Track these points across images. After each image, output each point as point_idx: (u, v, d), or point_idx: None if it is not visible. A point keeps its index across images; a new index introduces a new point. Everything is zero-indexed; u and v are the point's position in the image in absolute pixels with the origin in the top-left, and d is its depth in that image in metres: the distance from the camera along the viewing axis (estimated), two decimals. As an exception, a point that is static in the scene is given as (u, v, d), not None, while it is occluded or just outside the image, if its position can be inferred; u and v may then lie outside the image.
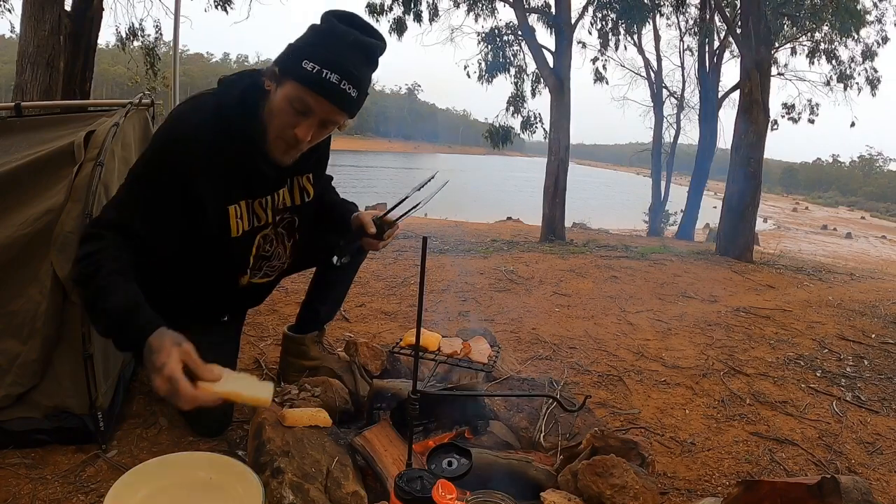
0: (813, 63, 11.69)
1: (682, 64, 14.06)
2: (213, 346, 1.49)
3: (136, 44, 7.53)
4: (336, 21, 1.17)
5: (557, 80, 8.09)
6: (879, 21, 10.67)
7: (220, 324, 1.53)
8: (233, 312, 1.59)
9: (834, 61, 11.51)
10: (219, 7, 7.75)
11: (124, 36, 7.45)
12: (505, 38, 9.99)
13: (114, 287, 1.06)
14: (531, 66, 9.80)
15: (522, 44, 9.61)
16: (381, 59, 1.26)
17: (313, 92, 1.14)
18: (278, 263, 1.51)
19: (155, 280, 1.42)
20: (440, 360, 1.55)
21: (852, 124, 12.05)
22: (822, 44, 11.30)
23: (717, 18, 11.46)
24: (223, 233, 1.30)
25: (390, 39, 10.01)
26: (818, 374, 2.38)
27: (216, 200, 1.26)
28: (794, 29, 10.78)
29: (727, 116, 13.06)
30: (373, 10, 9.59)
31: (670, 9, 12.31)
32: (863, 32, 10.31)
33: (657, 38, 13.87)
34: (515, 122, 10.23)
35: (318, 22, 1.20)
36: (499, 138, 10.19)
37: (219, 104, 1.23)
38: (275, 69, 1.17)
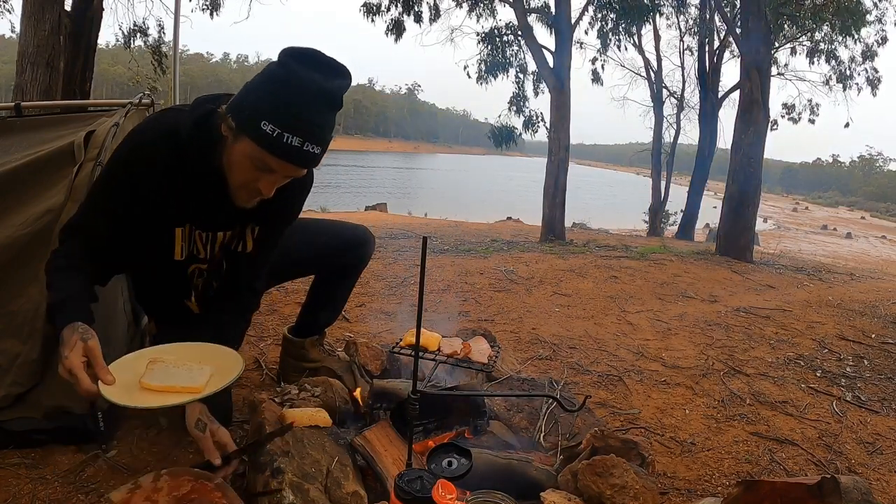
0: (813, 63, 11.71)
1: (682, 64, 14.09)
2: None
3: (139, 42, 7.56)
4: (296, 65, 1.06)
5: (557, 80, 8.09)
6: (879, 21, 10.69)
7: None
8: None
9: (834, 61, 11.53)
10: (206, 10, 7.77)
11: (128, 34, 7.47)
12: (505, 38, 10.00)
13: (54, 283, 1.11)
14: (531, 66, 9.82)
15: (522, 44, 9.61)
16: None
17: (272, 156, 1.06)
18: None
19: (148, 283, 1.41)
20: (440, 360, 1.55)
21: (846, 125, 12.05)
22: (822, 44, 11.31)
23: (717, 18, 11.48)
24: (167, 253, 1.25)
25: (388, 40, 10.07)
26: (818, 374, 2.38)
27: (164, 219, 1.22)
28: (794, 29, 10.79)
29: (727, 116, 13.06)
30: (370, 10, 9.60)
31: (670, 9, 12.32)
32: (863, 32, 10.31)
33: (657, 38, 13.88)
34: (518, 122, 10.25)
35: (273, 63, 1.10)
36: (502, 138, 10.20)
37: (177, 129, 1.17)
38: (231, 122, 1.08)
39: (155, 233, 1.23)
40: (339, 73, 1.10)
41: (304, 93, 1.04)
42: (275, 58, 1.11)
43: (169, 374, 1.07)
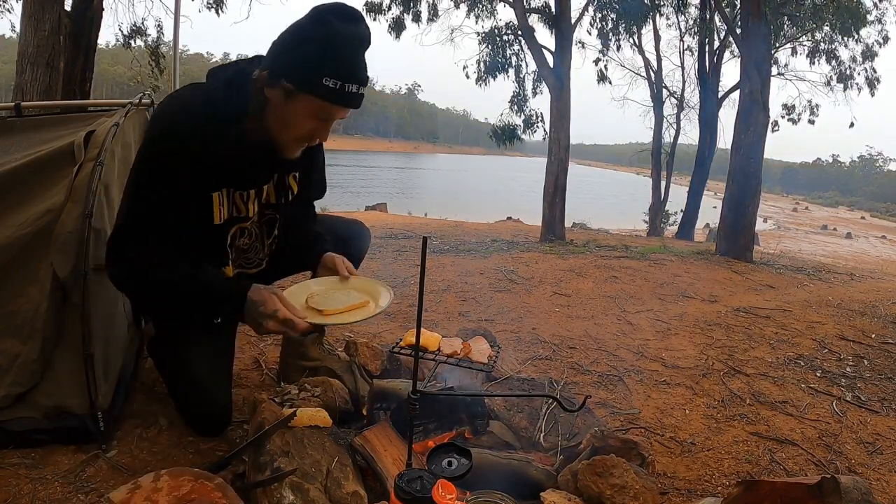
0: (813, 63, 11.72)
1: (682, 64, 14.10)
2: (212, 347, 1.50)
3: (139, 42, 7.56)
4: (336, 22, 1.18)
5: (557, 79, 8.09)
6: (879, 21, 10.69)
7: (214, 326, 1.52)
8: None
9: (834, 61, 11.54)
10: (211, 9, 7.78)
11: (127, 35, 7.48)
12: (505, 37, 9.99)
13: (182, 280, 1.25)
14: (531, 66, 9.81)
15: (522, 44, 9.61)
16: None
17: (338, 106, 1.22)
18: (255, 258, 1.52)
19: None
20: (440, 360, 1.54)
21: (851, 125, 12.06)
22: (822, 44, 11.32)
23: (717, 18, 11.47)
24: (206, 220, 1.33)
25: (388, 39, 10.08)
26: (818, 374, 2.38)
27: (202, 187, 1.30)
28: (794, 29, 10.79)
29: (727, 116, 13.08)
30: (371, 9, 9.59)
31: (670, 9, 12.32)
32: (863, 32, 10.32)
33: (657, 38, 13.90)
34: (519, 121, 10.24)
35: (308, 23, 1.19)
36: (504, 137, 10.19)
37: (207, 97, 1.27)
38: (281, 81, 1.19)
39: (194, 202, 1.30)
40: (361, 17, 1.24)
41: (349, 45, 1.19)
42: (270, 59, 1.23)
43: (332, 300, 1.32)
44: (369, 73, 1.28)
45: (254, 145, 1.29)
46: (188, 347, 1.46)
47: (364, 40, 1.22)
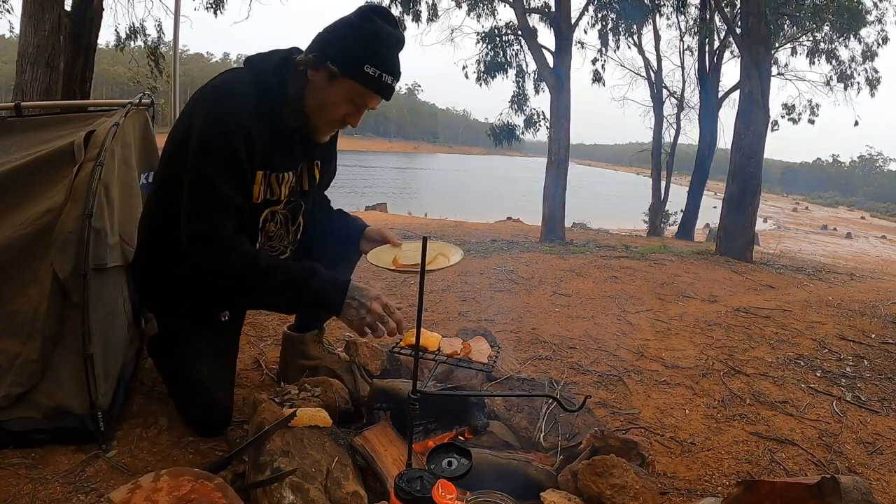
0: (813, 63, 11.71)
1: (682, 64, 14.10)
2: (213, 347, 1.50)
3: (138, 43, 7.56)
4: (379, 21, 1.32)
5: (557, 79, 8.10)
6: (879, 21, 10.69)
7: (220, 324, 1.53)
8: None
9: (834, 61, 11.54)
10: (209, 9, 7.77)
11: (125, 36, 7.48)
12: (505, 37, 9.99)
13: (279, 269, 1.35)
14: (531, 66, 9.81)
15: (522, 43, 9.61)
16: None
17: (374, 93, 1.34)
18: (280, 246, 1.54)
19: (161, 279, 1.44)
20: (440, 359, 1.54)
21: (856, 123, 12.04)
22: (822, 44, 11.31)
23: (717, 18, 11.47)
24: (247, 197, 1.37)
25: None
26: (818, 374, 2.38)
27: (250, 164, 1.35)
28: (794, 29, 10.79)
29: (727, 116, 13.08)
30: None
31: (670, 9, 12.32)
32: (863, 32, 10.32)
33: (657, 38, 13.89)
34: (519, 121, 10.24)
35: (356, 18, 1.32)
36: (503, 136, 10.19)
37: (256, 79, 1.35)
38: (327, 63, 1.30)
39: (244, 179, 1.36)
40: (397, 22, 1.40)
41: (389, 42, 1.33)
42: (321, 47, 1.34)
43: (412, 259, 1.43)
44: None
45: (290, 129, 1.38)
46: (190, 347, 1.46)
47: (400, 41, 1.35)
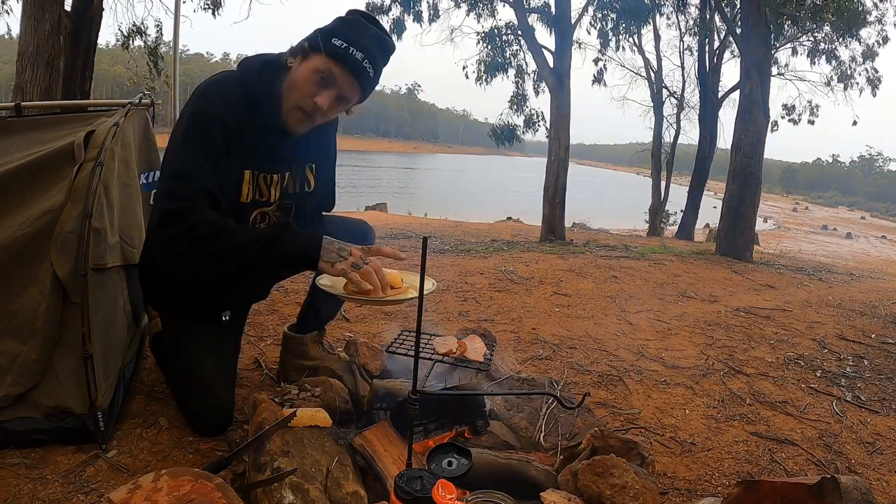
0: (813, 63, 11.72)
1: (682, 64, 14.09)
2: (216, 346, 1.50)
3: (138, 43, 7.56)
4: (361, 17, 1.34)
5: (557, 79, 8.09)
6: (880, 21, 10.69)
7: (222, 323, 1.53)
8: (238, 305, 1.60)
9: (834, 61, 11.54)
10: (207, 9, 7.77)
11: (126, 35, 7.47)
12: (505, 37, 9.99)
13: (239, 231, 1.26)
14: (531, 66, 9.81)
15: (522, 43, 9.61)
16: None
17: (339, 64, 1.28)
18: None
19: (162, 277, 1.44)
20: (436, 359, 1.54)
21: (854, 122, 12.06)
22: (822, 44, 11.32)
23: (717, 18, 11.48)
24: (235, 196, 1.36)
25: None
26: (818, 374, 2.38)
27: (235, 162, 1.34)
28: (795, 29, 10.79)
29: (727, 116, 13.08)
30: (372, 9, 9.58)
31: (670, 9, 12.32)
32: (863, 32, 10.33)
33: (657, 38, 13.90)
34: (518, 121, 10.23)
35: (342, 15, 1.36)
36: (503, 137, 10.19)
37: (242, 77, 1.35)
38: (304, 44, 1.31)
39: (229, 176, 1.34)
40: (381, 25, 1.38)
41: (367, 31, 1.32)
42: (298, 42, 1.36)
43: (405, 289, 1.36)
44: (381, 69, 1.37)
45: (277, 130, 1.36)
46: (194, 345, 1.46)
47: (381, 39, 1.33)
